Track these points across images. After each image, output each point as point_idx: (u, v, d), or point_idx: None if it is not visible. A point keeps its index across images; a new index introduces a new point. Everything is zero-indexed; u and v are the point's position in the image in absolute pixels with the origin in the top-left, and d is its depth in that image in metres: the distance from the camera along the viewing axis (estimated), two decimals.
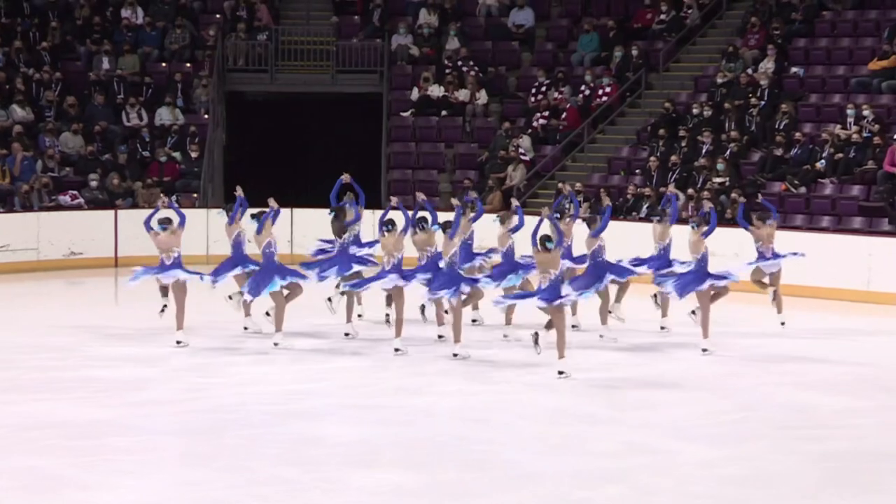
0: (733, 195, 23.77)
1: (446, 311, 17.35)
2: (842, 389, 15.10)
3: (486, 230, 19.24)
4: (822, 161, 24.29)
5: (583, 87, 28.96)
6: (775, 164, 24.84)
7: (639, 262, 18.44)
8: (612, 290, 18.14)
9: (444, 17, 31.03)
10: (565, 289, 15.75)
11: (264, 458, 11.81)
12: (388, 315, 18.12)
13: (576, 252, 18.41)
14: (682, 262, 17.99)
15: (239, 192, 18.56)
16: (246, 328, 18.38)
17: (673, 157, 25.77)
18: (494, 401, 14.33)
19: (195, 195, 27.53)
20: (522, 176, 27.57)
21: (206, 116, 29.09)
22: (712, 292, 17.21)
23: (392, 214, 17.62)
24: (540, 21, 31.12)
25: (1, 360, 16.40)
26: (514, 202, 18.49)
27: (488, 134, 29.08)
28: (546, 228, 16.22)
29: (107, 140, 28.08)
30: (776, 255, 18.52)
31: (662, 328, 18.64)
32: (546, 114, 28.75)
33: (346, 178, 18.96)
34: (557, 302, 15.31)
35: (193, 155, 28.18)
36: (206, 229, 24.91)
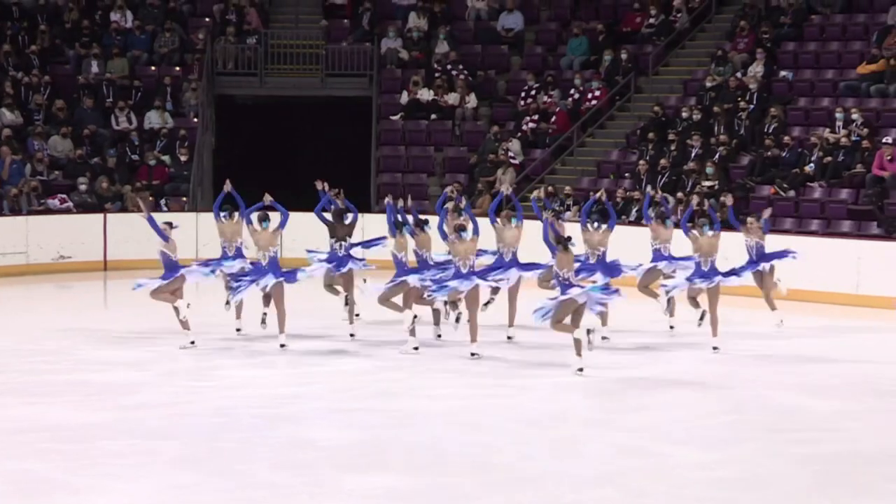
0: (722, 198, 23.81)
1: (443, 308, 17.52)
2: (832, 392, 15.12)
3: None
4: (811, 164, 24.34)
5: (572, 91, 29.01)
6: (764, 168, 24.88)
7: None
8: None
9: (434, 20, 31.07)
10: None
11: (255, 461, 11.79)
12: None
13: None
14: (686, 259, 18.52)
15: (228, 186, 18.62)
16: (238, 330, 18.43)
17: (662, 161, 25.82)
18: (486, 404, 14.33)
19: (184, 199, 27.52)
20: (512, 179, 27.57)
21: (195, 120, 29.07)
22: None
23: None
24: (529, 25, 31.17)
25: None
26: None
27: (478, 137, 29.10)
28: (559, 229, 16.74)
29: (96, 144, 28.05)
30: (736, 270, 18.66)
31: (672, 327, 18.99)
32: (535, 117, 28.80)
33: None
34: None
35: (183, 158, 28.16)
36: (195, 232, 24.86)
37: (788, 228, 23.53)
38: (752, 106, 26.35)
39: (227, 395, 14.70)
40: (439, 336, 17.94)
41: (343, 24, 31.35)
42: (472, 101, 29.64)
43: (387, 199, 18.39)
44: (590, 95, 28.72)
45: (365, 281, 18.71)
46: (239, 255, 18.36)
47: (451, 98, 29.61)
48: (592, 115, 28.62)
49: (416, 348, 17.01)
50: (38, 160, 27.08)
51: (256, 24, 30.83)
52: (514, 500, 10.75)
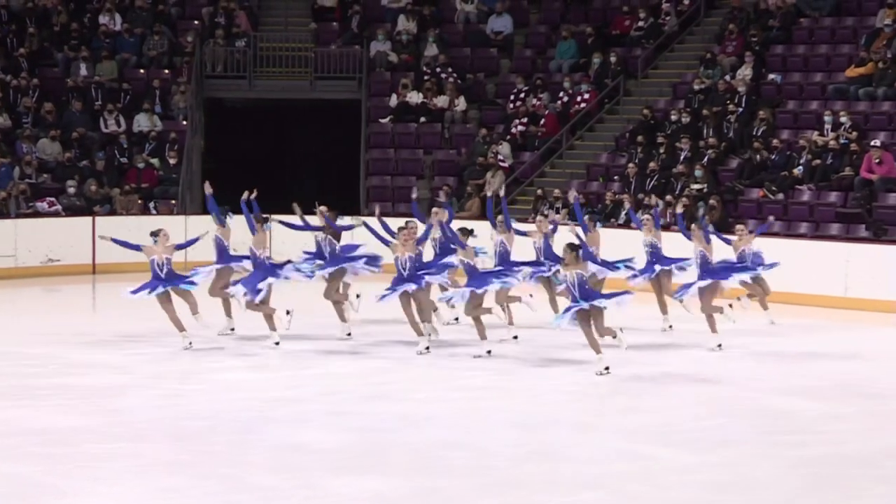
0: (711, 201, 23.85)
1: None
2: (821, 395, 15.13)
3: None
4: (800, 167, 24.36)
5: (561, 94, 29.02)
6: (753, 171, 24.90)
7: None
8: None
9: (423, 23, 31.06)
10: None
11: (244, 465, 11.77)
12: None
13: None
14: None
15: (209, 189, 18.71)
16: (232, 329, 18.53)
17: (651, 164, 25.83)
18: (475, 407, 14.32)
19: (173, 202, 27.48)
20: (501, 182, 27.55)
21: (184, 123, 29.04)
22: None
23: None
24: (518, 28, 31.18)
25: None
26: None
27: (467, 141, 29.09)
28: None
29: (84, 147, 28.00)
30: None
31: (671, 327, 19.22)
32: (525, 120, 28.80)
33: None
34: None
35: (172, 162, 28.12)
36: (184, 236, 24.73)
37: (777, 231, 23.52)
38: (740, 109, 26.37)
39: (215, 397, 14.68)
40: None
41: (332, 26, 31.33)
42: (461, 104, 29.64)
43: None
44: (579, 98, 28.73)
45: (358, 296, 18.63)
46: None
47: (441, 101, 29.60)
48: (581, 118, 28.62)
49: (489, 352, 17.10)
50: (27, 163, 27.03)
51: (245, 27, 30.80)
52: None
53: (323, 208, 19.26)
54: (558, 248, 17.42)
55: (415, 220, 19.23)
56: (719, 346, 17.62)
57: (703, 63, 27.94)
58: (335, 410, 14.06)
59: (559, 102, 28.95)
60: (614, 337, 15.98)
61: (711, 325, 17.78)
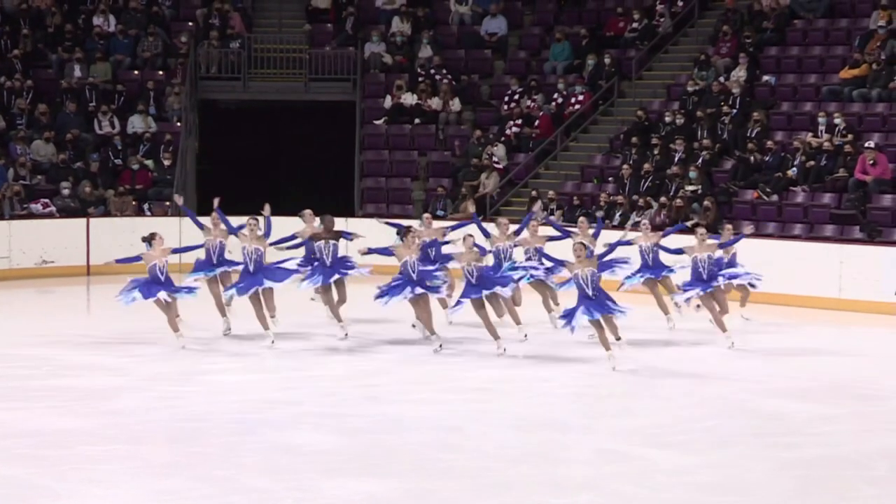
0: (706, 203, 23.87)
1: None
2: (814, 396, 15.15)
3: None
4: (794, 169, 24.38)
5: (555, 96, 29.03)
6: (747, 172, 24.92)
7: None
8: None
9: (417, 25, 31.06)
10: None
11: (237, 466, 11.78)
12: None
13: None
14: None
15: (180, 200, 19.04)
16: (229, 329, 18.66)
17: (645, 165, 25.84)
18: (468, 409, 14.32)
19: (167, 203, 27.45)
20: (496, 184, 27.60)
21: (178, 124, 29.02)
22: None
23: None
24: (512, 29, 31.19)
25: None
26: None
27: (461, 142, 29.10)
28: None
29: (78, 148, 27.98)
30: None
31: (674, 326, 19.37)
32: (519, 122, 28.80)
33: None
34: None
35: (166, 163, 28.09)
36: (178, 238, 24.73)
37: (771, 233, 23.56)
38: (734, 110, 26.39)
39: (209, 399, 14.68)
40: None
41: (326, 28, 31.34)
42: (455, 105, 29.65)
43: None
44: (573, 100, 28.74)
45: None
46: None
47: (435, 102, 29.61)
48: (576, 120, 28.64)
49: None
50: (21, 164, 27.01)
51: (240, 29, 30.79)
52: None
53: (308, 211, 19.50)
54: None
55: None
56: (732, 343, 17.92)
57: (697, 64, 27.97)
58: (330, 412, 14.06)
59: (553, 104, 28.96)
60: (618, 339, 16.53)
61: (721, 325, 17.95)
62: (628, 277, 19.17)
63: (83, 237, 25.86)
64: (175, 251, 18.13)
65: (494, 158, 28.01)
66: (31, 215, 26.23)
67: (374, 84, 30.26)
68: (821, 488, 11.39)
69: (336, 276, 18.52)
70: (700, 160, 25.55)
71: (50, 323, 20.27)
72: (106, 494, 10.94)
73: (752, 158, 24.96)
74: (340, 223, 22.93)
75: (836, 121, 24.65)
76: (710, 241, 18.45)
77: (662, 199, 24.68)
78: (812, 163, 24.21)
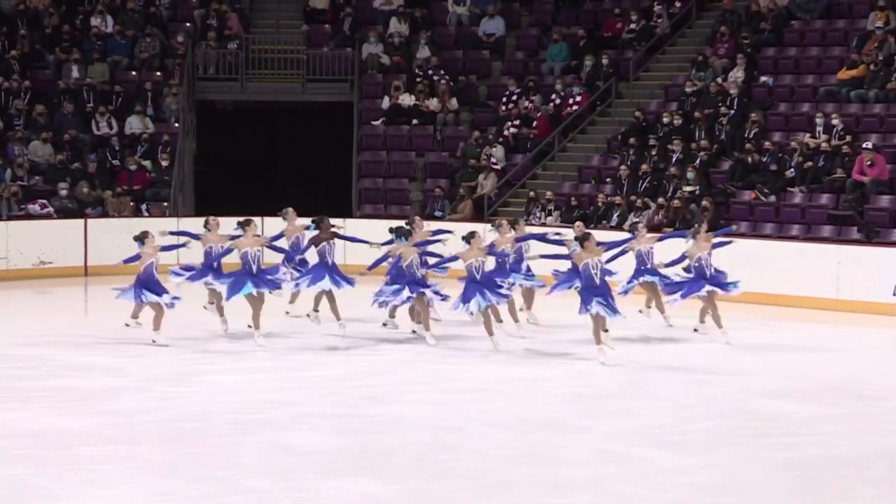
0: (704, 203, 23.88)
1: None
2: (812, 397, 15.16)
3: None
4: (792, 170, 24.40)
5: (553, 96, 29.05)
6: (745, 173, 24.94)
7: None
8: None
9: (415, 26, 31.08)
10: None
11: (235, 467, 11.77)
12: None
13: None
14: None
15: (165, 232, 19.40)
16: (226, 329, 18.75)
17: (643, 166, 25.86)
18: (467, 409, 14.32)
19: (165, 204, 27.47)
20: (493, 185, 27.62)
21: (176, 125, 29.03)
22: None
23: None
24: (510, 30, 31.22)
25: None
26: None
27: (459, 143, 29.10)
28: None
29: (76, 149, 27.99)
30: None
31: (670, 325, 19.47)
32: (517, 122, 28.82)
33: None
34: None
35: (164, 164, 28.10)
36: (177, 239, 24.74)
37: (769, 234, 23.58)
38: (732, 111, 26.41)
39: (207, 400, 14.67)
40: (414, 332, 18.48)
41: (324, 29, 31.35)
42: (453, 105, 29.66)
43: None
44: (571, 101, 28.77)
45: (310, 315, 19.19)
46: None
47: (433, 103, 29.62)
48: (573, 121, 28.66)
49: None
50: (19, 165, 27.01)
51: (237, 29, 30.80)
52: None
53: (290, 209, 19.67)
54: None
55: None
56: (727, 342, 18.16)
57: (695, 65, 27.99)
58: (329, 412, 14.06)
59: (551, 105, 28.98)
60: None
61: (717, 322, 18.22)
62: (628, 282, 19.18)
63: (81, 238, 25.86)
64: (164, 249, 18.12)
65: (492, 159, 28.02)
66: (29, 216, 26.24)
67: (372, 85, 30.28)
68: (819, 489, 11.39)
69: (340, 283, 18.62)
70: (698, 161, 25.57)
71: (48, 323, 20.25)
72: (105, 495, 10.93)
73: (749, 159, 24.98)
74: (338, 224, 23.01)
75: (834, 121, 24.68)
76: (705, 239, 18.55)
77: (660, 199, 24.70)
78: (810, 163, 24.24)
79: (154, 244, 17.90)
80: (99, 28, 30.37)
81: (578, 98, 28.72)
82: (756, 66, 27.59)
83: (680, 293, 18.27)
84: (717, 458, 12.31)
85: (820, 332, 20.17)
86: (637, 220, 23.08)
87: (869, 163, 23.42)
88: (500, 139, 28.64)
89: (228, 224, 19.04)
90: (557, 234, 19.52)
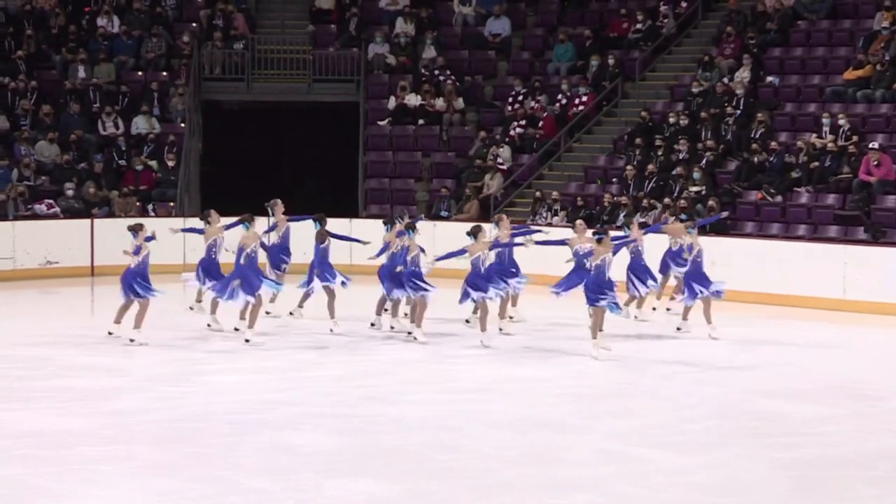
0: (710, 203, 23.85)
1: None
2: (814, 397, 15.13)
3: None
4: (798, 170, 24.35)
5: (559, 96, 29.03)
6: (751, 173, 24.90)
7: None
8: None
9: (421, 26, 31.07)
10: None
11: (236, 467, 11.78)
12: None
13: None
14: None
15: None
16: (209, 325, 18.86)
17: (649, 166, 25.83)
18: (467, 409, 14.31)
19: (171, 204, 27.49)
20: (500, 185, 27.60)
21: (182, 125, 29.04)
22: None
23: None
24: (516, 30, 31.20)
25: None
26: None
27: (465, 143, 29.10)
28: None
29: (82, 149, 28.01)
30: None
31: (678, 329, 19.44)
32: (523, 123, 28.79)
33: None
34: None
35: (170, 164, 28.11)
36: (182, 239, 24.79)
37: (775, 234, 23.54)
38: (738, 111, 26.37)
39: (208, 400, 14.68)
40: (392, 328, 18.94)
41: (330, 29, 31.34)
42: (459, 106, 29.64)
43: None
44: (577, 101, 28.74)
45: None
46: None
47: (439, 103, 29.61)
48: (579, 121, 28.63)
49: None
50: (25, 165, 27.04)
51: (243, 30, 30.80)
52: None
53: (277, 201, 19.86)
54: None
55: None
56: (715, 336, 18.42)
57: (701, 65, 27.95)
58: (329, 412, 14.06)
59: (557, 105, 28.96)
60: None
61: (707, 316, 18.51)
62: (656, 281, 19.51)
63: (87, 238, 25.88)
64: (147, 239, 18.08)
65: (498, 159, 28.01)
66: (35, 216, 26.27)
67: (378, 85, 30.27)
68: (819, 489, 11.37)
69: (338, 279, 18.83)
70: (704, 161, 25.54)
71: (53, 324, 20.27)
72: (105, 495, 10.94)
73: (755, 159, 24.94)
74: (345, 224, 23.22)
75: (840, 122, 24.64)
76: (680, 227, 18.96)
77: (666, 199, 24.67)
78: (816, 164, 24.19)
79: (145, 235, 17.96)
80: (105, 28, 30.39)
81: (584, 98, 28.69)
82: (762, 66, 27.55)
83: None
84: (717, 458, 12.29)
85: (824, 332, 20.13)
86: (643, 219, 23.20)
87: (875, 163, 23.37)
88: (507, 139, 28.62)
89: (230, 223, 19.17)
90: (539, 230, 20.02)
